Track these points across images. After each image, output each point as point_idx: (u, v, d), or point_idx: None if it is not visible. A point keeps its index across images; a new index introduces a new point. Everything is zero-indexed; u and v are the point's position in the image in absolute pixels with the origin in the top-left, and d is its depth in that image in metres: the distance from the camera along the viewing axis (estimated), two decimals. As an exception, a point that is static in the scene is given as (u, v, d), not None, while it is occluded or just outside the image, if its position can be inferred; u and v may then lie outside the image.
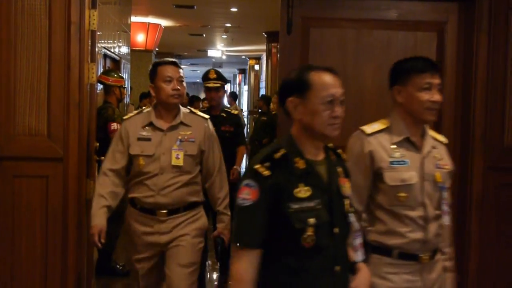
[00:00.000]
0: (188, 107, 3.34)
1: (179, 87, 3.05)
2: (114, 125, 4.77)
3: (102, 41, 4.75)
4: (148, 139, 3.03)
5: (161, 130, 3.06)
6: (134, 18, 8.79)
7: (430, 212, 2.31)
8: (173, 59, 3.19)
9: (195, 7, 8.67)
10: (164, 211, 3.03)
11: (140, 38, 10.39)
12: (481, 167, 3.60)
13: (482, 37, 3.60)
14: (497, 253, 3.63)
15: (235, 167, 4.87)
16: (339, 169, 2.00)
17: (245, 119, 12.75)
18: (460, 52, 3.71)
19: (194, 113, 3.21)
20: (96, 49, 3.57)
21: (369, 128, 2.37)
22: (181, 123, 3.09)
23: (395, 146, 2.32)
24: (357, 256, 2.14)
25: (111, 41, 5.57)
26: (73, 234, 3.34)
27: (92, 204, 3.06)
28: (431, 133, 2.45)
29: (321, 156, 1.96)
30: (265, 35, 11.17)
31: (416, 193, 2.30)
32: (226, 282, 4.94)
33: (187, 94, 12.68)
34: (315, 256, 1.86)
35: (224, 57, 16.81)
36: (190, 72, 23.44)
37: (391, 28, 3.69)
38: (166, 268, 3.07)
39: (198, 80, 22.85)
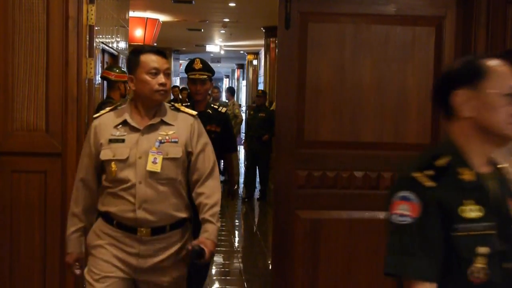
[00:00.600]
0: (172, 102, 2.84)
1: (166, 82, 2.54)
2: None
3: (100, 36, 4.74)
4: (121, 141, 2.51)
5: (137, 129, 2.53)
6: (132, 13, 8.76)
7: None
8: (158, 48, 2.66)
9: (193, 2, 8.64)
10: (146, 229, 2.50)
11: (138, 33, 10.36)
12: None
13: (480, 32, 3.60)
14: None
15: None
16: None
17: (243, 114, 12.72)
18: (458, 47, 3.70)
19: (178, 109, 2.67)
20: (94, 44, 3.57)
21: None
22: (162, 121, 2.57)
23: None
24: None
25: (109, 36, 5.55)
26: (71, 229, 3.34)
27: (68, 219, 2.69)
28: None
29: (489, 168, 1.61)
30: (263, 30, 11.14)
31: None
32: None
33: (177, 87, 12.56)
34: None
35: (222, 52, 16.78)
36: (188, 67, 23.34)
37: (389, 23, 3.67)
38: None
39: (196, 75, 22.72)
